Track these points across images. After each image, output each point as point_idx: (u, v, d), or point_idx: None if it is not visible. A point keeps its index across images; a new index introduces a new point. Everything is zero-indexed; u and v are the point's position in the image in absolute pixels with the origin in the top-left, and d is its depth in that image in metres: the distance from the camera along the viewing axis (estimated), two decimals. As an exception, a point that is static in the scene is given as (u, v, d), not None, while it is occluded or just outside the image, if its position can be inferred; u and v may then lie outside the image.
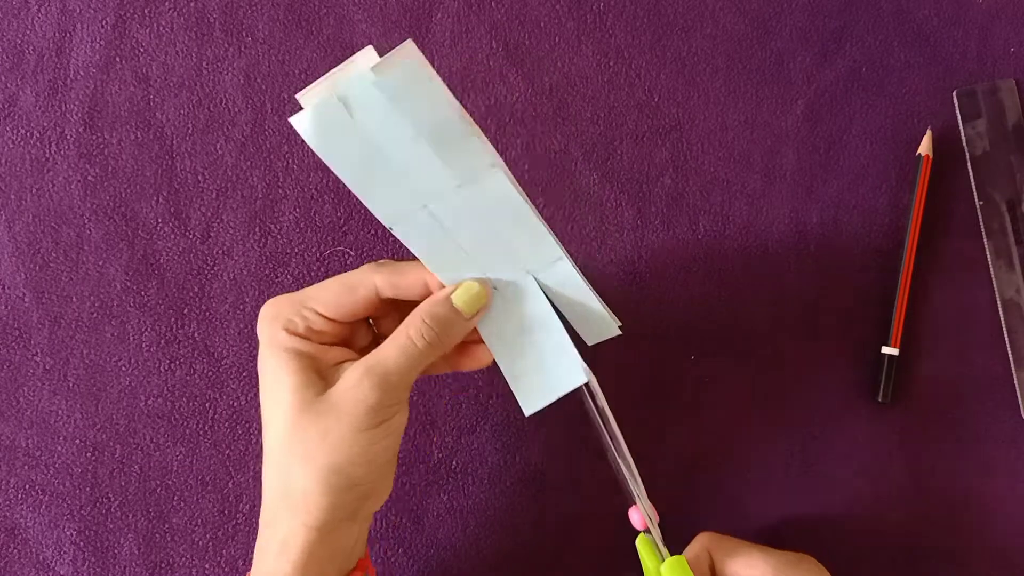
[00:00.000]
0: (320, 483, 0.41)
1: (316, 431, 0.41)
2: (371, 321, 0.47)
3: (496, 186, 0.42)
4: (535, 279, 0.45)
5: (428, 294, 0.44)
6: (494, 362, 0.46)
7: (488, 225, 0.43)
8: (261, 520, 0.44)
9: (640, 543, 0.46)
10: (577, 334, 0.47)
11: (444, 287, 0.44)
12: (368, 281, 0.43)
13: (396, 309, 0.46)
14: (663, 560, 0.45)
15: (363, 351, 0.44)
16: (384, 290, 0.43)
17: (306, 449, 0.42)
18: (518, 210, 0.42)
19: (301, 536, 0.42)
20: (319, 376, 0.42)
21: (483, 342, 0.45)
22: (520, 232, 0.43)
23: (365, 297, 0.43)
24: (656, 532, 0.46)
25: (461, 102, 0.40)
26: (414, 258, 0.44)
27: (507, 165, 0.42)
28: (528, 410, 0.45)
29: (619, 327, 0.47)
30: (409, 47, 0.38)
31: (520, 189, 0.42)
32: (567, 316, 0.46)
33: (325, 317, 0.43)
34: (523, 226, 0.43)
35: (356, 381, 0.41)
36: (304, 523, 0.42)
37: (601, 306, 0.46)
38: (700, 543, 0.48)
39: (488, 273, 0.45)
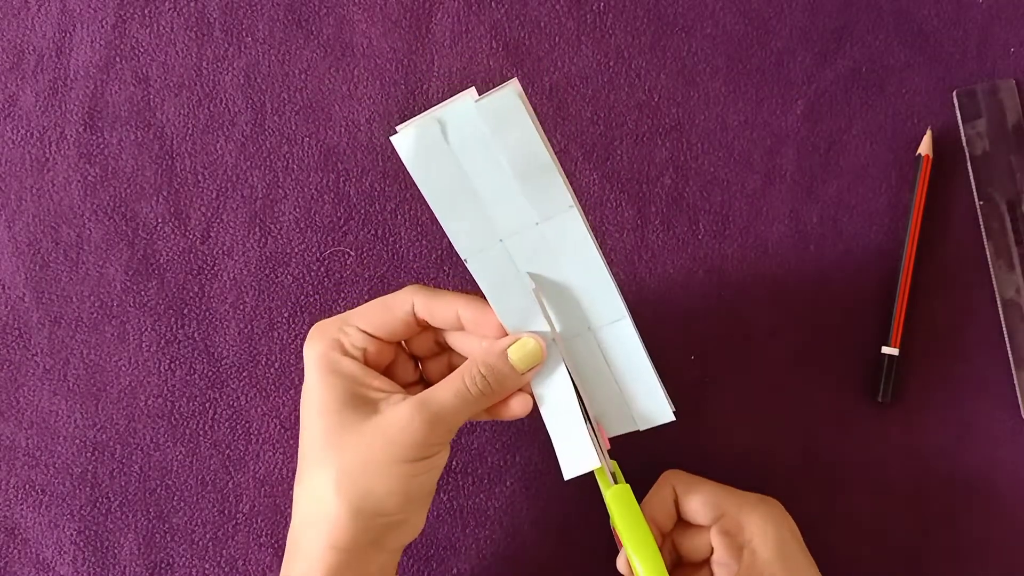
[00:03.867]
0: (350, 506, 0.42)
1: (356, 455, 0.42)
2: (419, 364, 0.48)
3: (572, 228, 0.43)
4: (595, 337, 0.45)
5: (459, 325, 0.45)
6: (534, 411, 0.45)
7: (558, 269, 0.44)
8: (288, 539, 0.45)
9: (597, 472, 0.45)
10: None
11: (480, 322, 0.44)
12: (406, 302, 0.45)
13: (441, 349, 0.47)
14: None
15: (407, 386, 0.46)
16: (419, 310, 0.45)
17: (342, 470, 0.42)
18: (589, 258, 0.43)
19: (327, 558, 0.42)
20: (363, 401, 0.43)
21: (522, 392, 0.45)
22: (587, 281, 0.44)
23: (403, 317, 0.45)
24: (605, 459, 0.45)
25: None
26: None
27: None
28: (568, 474, 0.44)
29: (674, 413, 0.46)
30: (514, 84, 0.40)
31: (593, 237, 0.43)
32: (619, 385, 0.46)
33: (366, 333, 0.44)
34: (591, 275, 0.44)
35: (408, 414, 0.42)
36: (331, 545, 0.42)
37: (657, 382, 0.45)
38: (665, 479, 0.49)
39: (549, 325, 0.44)
